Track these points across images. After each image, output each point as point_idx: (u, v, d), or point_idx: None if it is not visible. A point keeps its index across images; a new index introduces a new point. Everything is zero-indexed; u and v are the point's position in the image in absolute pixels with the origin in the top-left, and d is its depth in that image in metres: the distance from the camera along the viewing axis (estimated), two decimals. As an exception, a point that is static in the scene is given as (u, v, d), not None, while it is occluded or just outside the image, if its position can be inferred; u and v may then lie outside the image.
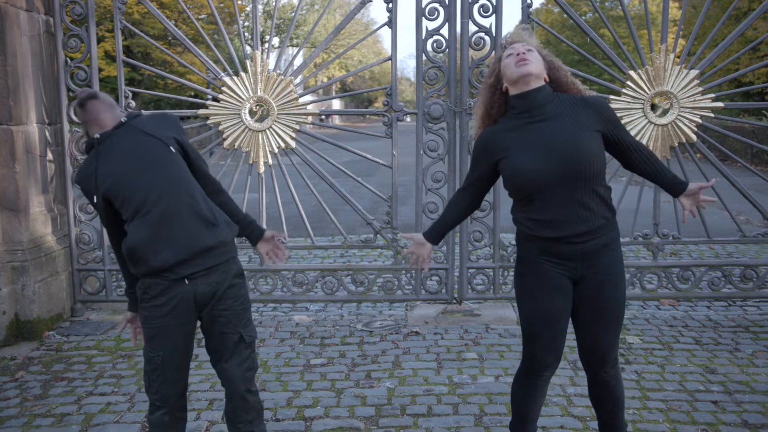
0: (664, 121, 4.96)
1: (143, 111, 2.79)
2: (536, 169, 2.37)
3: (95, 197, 2.42)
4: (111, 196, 2.40)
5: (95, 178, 2.41)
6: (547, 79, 2.48)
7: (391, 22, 4.94)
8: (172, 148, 2.43)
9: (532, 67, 2.40)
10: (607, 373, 2.62)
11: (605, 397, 2.69)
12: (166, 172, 2.41)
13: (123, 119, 2.48)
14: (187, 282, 2.37)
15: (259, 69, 5.03)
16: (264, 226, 2.82)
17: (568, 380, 3.82)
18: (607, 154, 2.52)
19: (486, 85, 2.57)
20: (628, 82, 4.98)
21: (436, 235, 2.77)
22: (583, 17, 30.43)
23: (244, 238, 2.74)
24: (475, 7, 4.86)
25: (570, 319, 2.59)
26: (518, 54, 2.42)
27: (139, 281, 2.45)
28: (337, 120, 39.79)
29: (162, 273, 2.37)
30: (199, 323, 2.53)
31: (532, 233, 2.49)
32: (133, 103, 5.13)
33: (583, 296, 2.51)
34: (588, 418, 3.36)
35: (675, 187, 2.60)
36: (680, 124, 4.94)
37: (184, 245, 2.35)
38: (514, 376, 2.72)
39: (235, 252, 2.54)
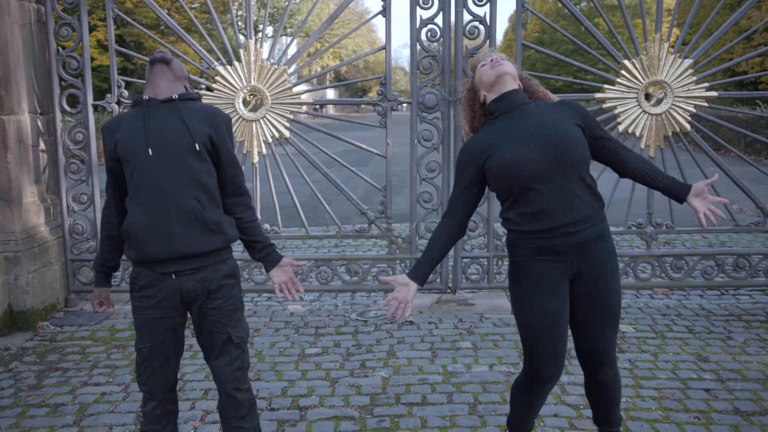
0: (658, 110, 4.97)
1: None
2: (524, 157, 2.37)
3: (109, 151, 2.41)
4: (123, 160, 2.38)
5: (117, 132, 2.39)
6: (521, 86, 2.56)
7: (386, 11, 4.91)
8: (197, 145, 2.35)
9: (508, 66, 2.50)
10: (606, 374, 2.61)
11: (602, 396, 2.69)
12: (181, 166, 2.35)
13: (174, 96, 2.39)
14: (174, 277, 2.38)
15: (252, 58, 5.00)
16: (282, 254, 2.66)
17: (561, 369, 3.83)
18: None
19: (463, 101, 2.64)
20: (623, 72, 4.98)
21: (421, 273, 2.56)
22: (578, 6, 30.37)
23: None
24: (470, -5, 4.85)
25: (569, 324, 2.56)
26: (492, 60, 2.54)
27: (131, 269, 2.47)
28: (331, 110, 39.70)
29: (151, 264, 2.38)
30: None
31: (525, 229, 2.44)
32: (125, 93, 5.11)
33: (580, 293, 2.50)
34: (581, 406, 3.39)
35: (678, 188, 2.52)
36: (674, 114, 4.95)
37: (175, 245, 2.34)
38: (516, 383, 2.68)
39: (228, 254, 2.50)
